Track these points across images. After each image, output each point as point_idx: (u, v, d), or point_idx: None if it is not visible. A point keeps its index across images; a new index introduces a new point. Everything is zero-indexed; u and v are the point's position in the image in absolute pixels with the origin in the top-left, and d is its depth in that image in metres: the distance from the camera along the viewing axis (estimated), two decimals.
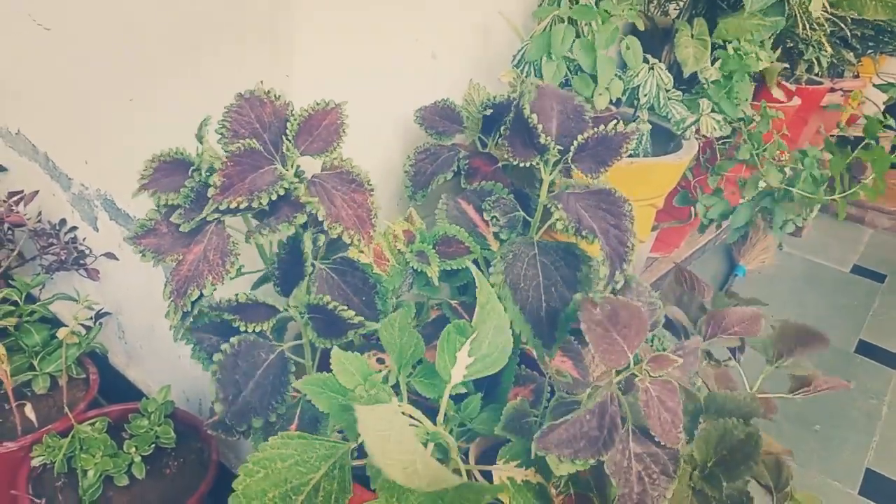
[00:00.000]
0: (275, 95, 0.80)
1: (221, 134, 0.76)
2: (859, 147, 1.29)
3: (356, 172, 0.78)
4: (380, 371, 0.72)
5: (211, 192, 0.69)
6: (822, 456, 1.58)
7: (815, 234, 2.79)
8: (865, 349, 2.07)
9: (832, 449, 1.61)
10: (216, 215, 0.70)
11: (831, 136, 1.92)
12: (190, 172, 0.76)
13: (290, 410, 0.78)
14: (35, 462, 0.99)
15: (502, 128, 0.86)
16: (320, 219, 0.73)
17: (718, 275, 2.33)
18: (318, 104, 0.81)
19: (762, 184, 1.20)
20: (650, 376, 0.65)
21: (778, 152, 1.26)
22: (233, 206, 0.68)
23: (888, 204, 2.99)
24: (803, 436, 1.63)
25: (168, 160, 0.79)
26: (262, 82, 0.82)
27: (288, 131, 0.77)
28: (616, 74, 1.07)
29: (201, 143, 0.77)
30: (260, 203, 0.69)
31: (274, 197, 0.70)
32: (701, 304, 1.06)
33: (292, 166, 0.77)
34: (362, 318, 0.72)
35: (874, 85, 2.69)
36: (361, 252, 0.77)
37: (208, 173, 0.71)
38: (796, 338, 0.97)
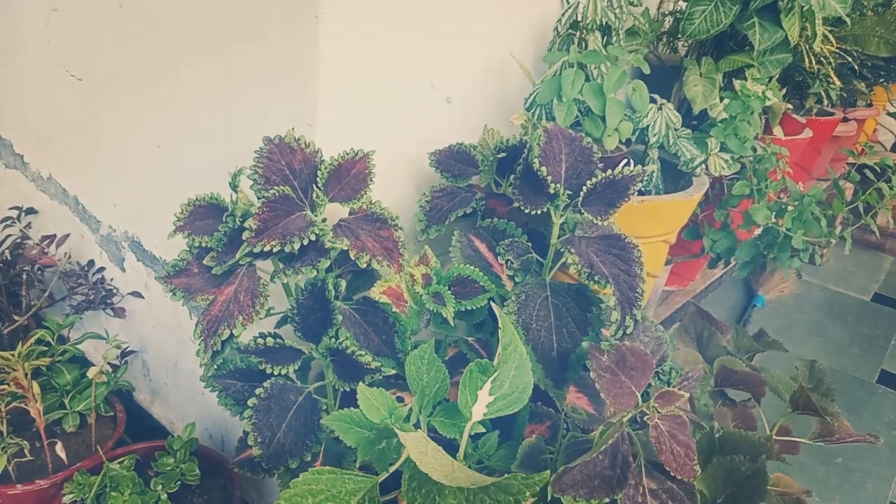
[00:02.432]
0: (305, 143, 0.84)
1: (254, 180, 0.80)
2: (869, 190, 1.30)
3: (381, 213, 0.81)
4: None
5: (246, 234, 0.72)
6: (843, 489, 1.56)
7: (834, 263, 2.78)
8: (887, 379, 2.04)
9: (854, 482, 1.59)
10: (248, 258, 0.74)
11: (848, 162, 1.94)
12: (224, 218, 0.79)
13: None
14: (66, 499, 1.02)
15: (512, 177, 0.89)
16: (344, 249, 0.76)
17: (737, 305, 2.33)
18: (347, 153, 0.85)
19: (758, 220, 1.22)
20: (658, 412, 0.66)
21: (781, 189, 1.28)
22: (266, 249, 0.72)
23: None
24: (825, 469, 1.61)
25: (203, 204, 0.83)
26: (293, 129, 0.86)
27: (318, 179, 0.81)
28: (626, 115, 1.10)
29: (235, 191, 0.81)
30: (292, 248, 0.73)
31: (305, 242, 0.73)
32: (719, 344, 1.06)
33: (321, 212, 0.80)
34: (379, 364, 0.75)
35: (888, 113, 2.71)
36: (383, 293, 0.80)
37: (242, 219, 0.75)
38: (813, 405, 0.95)
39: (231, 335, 0.73)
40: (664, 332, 0.82)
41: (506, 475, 0.63)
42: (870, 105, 2.56)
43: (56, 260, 1.34)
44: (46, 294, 1.35)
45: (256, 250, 0.71)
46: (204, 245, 0.79)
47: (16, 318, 1.33)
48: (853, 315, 2.43)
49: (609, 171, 0.81)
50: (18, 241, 1.36)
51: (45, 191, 1.48)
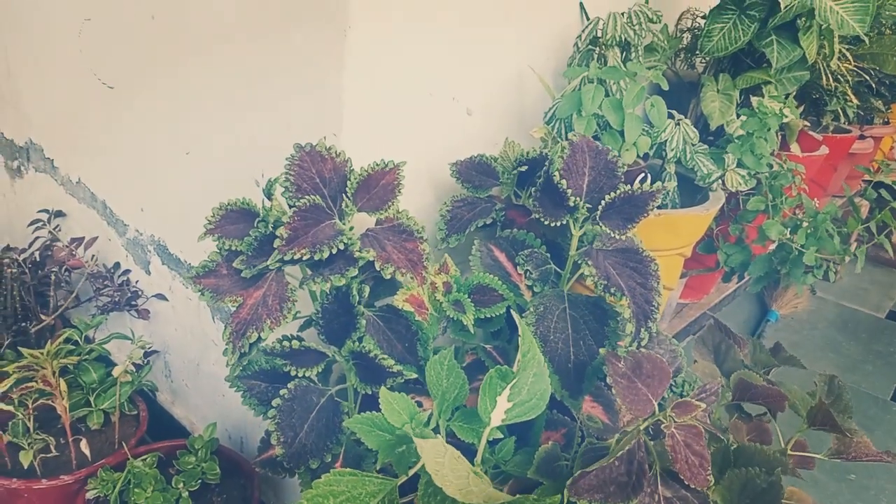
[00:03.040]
0: (335, 152, 0.87)
1: (286, 187, 0.82)
2: (884, 210, 1.31)
3: (407, 224, 0.84)
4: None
5: (277, 242, 0.75)
6: None
7: (849, 280, 2.77)
8: None
9: (868, 499, 1.59)
10: (278, 264, 0.76)
11: (864, 179, 1.95)
12: (255, 223, 0.82)
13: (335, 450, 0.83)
14: (90, 495, 1.05)
15: (533, 189, 0.91)
16: (370, 259, 0.79)
17: (751, 320, 2.33)
18: (377, 164, 0.87)
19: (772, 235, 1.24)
20: (675, 422, 0.68)
21: (796, 205, 1.29)
22: (297, 257, 0.74)
23: None
24: (838, 486, 1.61)
25: (235, 209, 0.85)
26: (325, 138, 0.88)
27: (348, 189, 0.83)
28: (644, 130, 1.12)
29: (270, 198, 0.84)
30: (321, 255, 0.75)
31: (334, 251, 0.76)
32: (736, 357, 1.06)
33: (349, 221, 0.83)
34: (401, 368, 0.77)
35: None
36: (406, 301, 0.82)
37: (275, 226, 0.77)
38: (830, 421, 0.94)
39: (259, 338, 0.76)
40: (678, 346, 0.84)
41: (518, 496, 0.65)
42: (887, 123, 2.56)
43: (83, 262, 1.38)
44: (73, 295, 1.38)
45: (287, 258, 0.74)
46: (234, 248, 0.82)
47: (43, 317, 1.36)
48: (867, 332, 2.42)
49: (628, 187, 0.83)
50: (48, 243, 1.40)
51: (73, 194, 1.51)
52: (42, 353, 1.08)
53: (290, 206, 0.81)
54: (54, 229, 1.46)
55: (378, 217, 0.86)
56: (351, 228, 0.83)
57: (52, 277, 1.37)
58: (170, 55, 1.17)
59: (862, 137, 2.32)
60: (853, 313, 2.56)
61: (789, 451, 0.94)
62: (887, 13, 1.81)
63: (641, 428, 0.67)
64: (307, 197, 0.81)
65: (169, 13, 1.14)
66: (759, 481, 0.73)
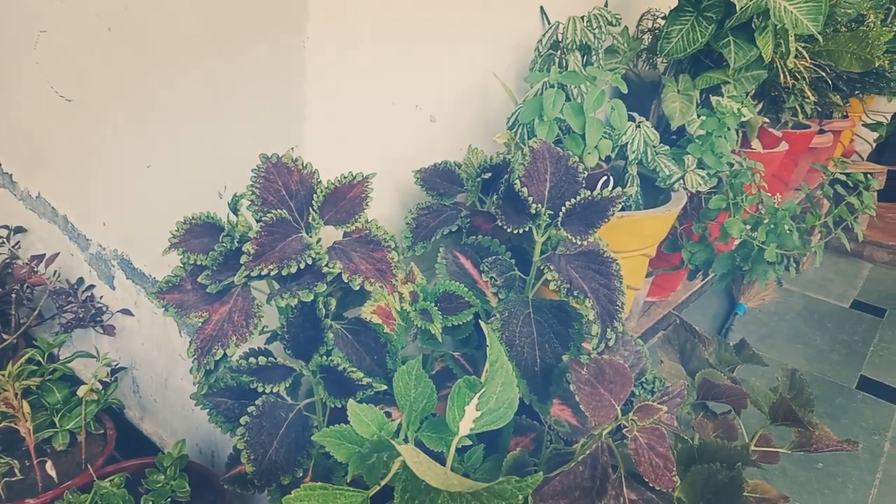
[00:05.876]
0: (302, 164, 0.86)
1: (251, 200, 0.81)
2: (840, 205, 1.34)
3: (375, 234, 0.83)
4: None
5: (244, 258, 0.74)
6: (824, 494, 1.60)
7: (814, 271, 2.83)
8: (867, 385, 2.09)
9: (835, 487, 1.62)
10: (245, 279, 0.75)
11: (829, 173, 1.99)
12: (220, 238, 0.81)
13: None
14: None
15: (495, 196, 0.92)
16: (338, 273, 0.78)
17: (719, 314, 2.37)
18: (344, 177, 0.86)
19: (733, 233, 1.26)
20: (637, 425, 0.69)
21: (757, 202, 1.31)
22: (264, 273, 0.73)
23: (886, 238, 3.04)
24: (805, 474, 1.64)
25: (199, 223, 0.84)
26: (292, 149, 0.88)
27: (314, 202, 0.82)
28: (605, 133, 1.13)
29: (236, 213, 0.83)
30: (289, 271, 0.74)
31: (302, 266, 0.75)
32: (701, 356, 1.08)
33: (317, 234, 0.82)
34: (370, 380, 0.77)
35: (864, 124, 2.78)
36: (373, 312, 0.82)
37: (241, 241, 0.76)
38: (792, 416, 0.96)
39: (224, 355, 0.75)
40: (643, 346, 0.85)
41: (500, 479, 0.66)
42: (846, 117, 2.62)
43: (45, 278, 1.35)
44: (36, 313, 1.35)
45: (254, 274, 0.73)
46: (199, 262, 0.81)
47: (5, 336, 1.33)
48: (833, 322, 2.48)
49: (588, 193, 0.84)
50: (7, 260, 1.37)
51: (33, 210, 1.48)
52: (3, 375, 1.06)
53: (257, 220, 0.80)
54: (14, 246, 1.43)
55: (346, 230, 0.86)
56: (318, 241, 0.82)
57: (14, 295, 1.34)
58: (129, 67, 1.15)
59: (822, 132, 2.37)
60: (819, 304, 2.61)
61: (754, 447, 0.96)
62: (842, 10, 1.86)
63: (605, 432, 0.68)
64: (274, 211, 0.80)
65: (126, 25, 1.13)
66: (720, 476, 0.74)
